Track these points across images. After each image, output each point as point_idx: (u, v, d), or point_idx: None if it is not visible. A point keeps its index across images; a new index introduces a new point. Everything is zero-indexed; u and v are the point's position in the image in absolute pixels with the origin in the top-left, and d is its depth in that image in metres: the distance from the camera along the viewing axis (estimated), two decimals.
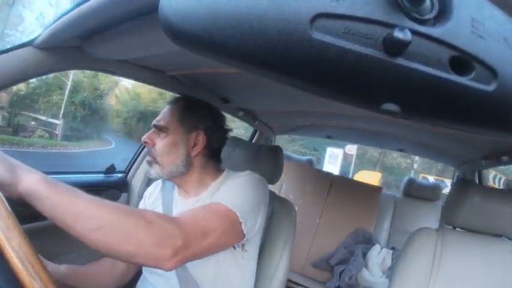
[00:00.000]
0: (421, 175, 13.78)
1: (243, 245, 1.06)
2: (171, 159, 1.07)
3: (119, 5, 0.68)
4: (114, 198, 1.48)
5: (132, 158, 1.62)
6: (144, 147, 1.58)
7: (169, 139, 1.08)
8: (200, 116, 1.12)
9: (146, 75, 1.23)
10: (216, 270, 1.03)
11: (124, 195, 1.52)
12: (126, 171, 1.60)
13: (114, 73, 1.17)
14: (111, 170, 1.56)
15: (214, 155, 1.16)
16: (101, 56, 0.99)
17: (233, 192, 1.00)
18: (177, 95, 1.23)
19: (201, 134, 1.10)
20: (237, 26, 0.33)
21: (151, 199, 1.21)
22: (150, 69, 1.21)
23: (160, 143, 1.07)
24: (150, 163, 1.09)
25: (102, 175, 1.52)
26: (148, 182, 1.56)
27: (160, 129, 1.08)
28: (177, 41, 0.36)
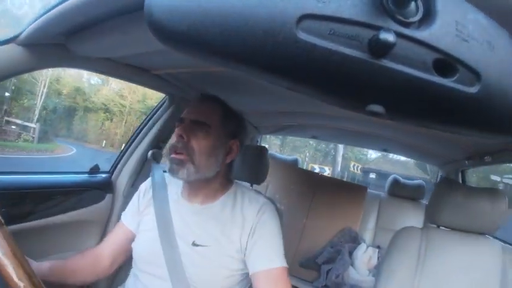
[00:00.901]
0: (310, 165, 18.18)
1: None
2: (210, 162, 1.00)
3: (104, 2, 0.67)
4: (99, 199, 1.45)
5: (117, 158, 1.60)
6: (129, 146, 1.56)
7: (212, 139, 0.99)
8: (239, 124, 1.09)
9: (130, 74, 1.21)
10: (221, 285, 1.01)
11: (109, 196, 1.49)
12: (111, 172, 1.57)
13: (97, 71, 1.15)
14: (95, 170, 1.53)
15: (233, 165, 1.12)
16: (85, 53, 0.97)
17: (276, 245, 1.02)
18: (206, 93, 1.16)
19: (237, 143, 1.06)
20: (224, 25, 0.33)
21: (147, 197, 1.13)
22: (134, 68, 1.19)
23: (202, 142, 0.98)
24: (182, 162, 0.96)
25: (86, 175, 1.49)
26: (134, 182, 1.54)
27: (198, 125, 0.99)
28: (163, 39, 0.36)
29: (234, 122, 1.07)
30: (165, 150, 1.54)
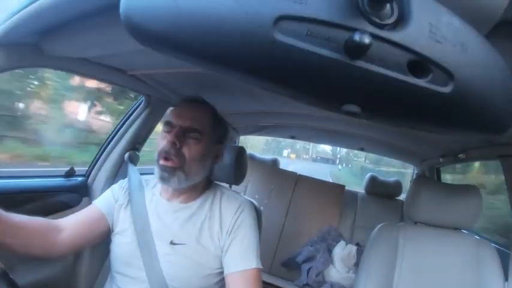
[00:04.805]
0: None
1: None
2: (199, 168, 1.00)
3: (79, 0, 0.65)
4: (75, 202, 1.41)
5: (93, 161, 1.55)
6: (105, 148, 1.52)
7: (203, 146, 0.98)
8: (226, 129, 1.11)
9: (106, 75, 1.18)
10: (198, 284, 1.00)
11: (85, 200, 1.44)
12: (87, 175, 1.53)
13: (72, 72, 1.12)
14: (70, 173, 1.48)
15: (214, 167, 1.12)
16: (59, 54, 0.93)
17: (252, 246, 1.02)
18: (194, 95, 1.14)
19: (222, 147, 1.07)
20: (201, 26, 0.33)
21: (125, 195, 1.09)
22: (110, 68, 1.16)
23: (193, 149, 0.97)
24: (173, 170, 0.95)
25: (62, 179, 1.44)
26: (111, 185, 1.50)
27: (190, 132, 0.97)
28: (140, 39, 0.35)
29: (222, 128, 1.08)
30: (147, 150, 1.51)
